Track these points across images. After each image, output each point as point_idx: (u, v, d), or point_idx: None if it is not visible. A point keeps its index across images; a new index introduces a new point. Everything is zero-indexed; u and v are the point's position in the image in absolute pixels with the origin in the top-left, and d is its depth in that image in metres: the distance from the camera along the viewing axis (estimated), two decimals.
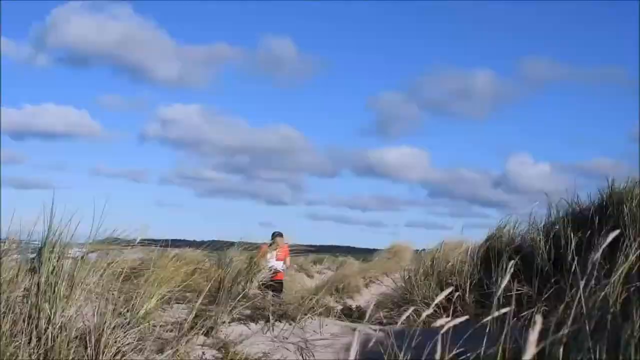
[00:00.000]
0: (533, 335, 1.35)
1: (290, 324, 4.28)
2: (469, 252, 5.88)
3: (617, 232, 2.10)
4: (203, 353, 3.83)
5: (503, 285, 2.18)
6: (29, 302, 3.52)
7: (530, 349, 1.33)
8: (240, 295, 4.56)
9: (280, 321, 4.31)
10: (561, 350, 2.22)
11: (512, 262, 2.61)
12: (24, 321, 3.45)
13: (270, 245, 9.58)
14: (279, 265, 9.38)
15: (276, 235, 9.82)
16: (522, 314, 3.50)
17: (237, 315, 4.30)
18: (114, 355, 3.48)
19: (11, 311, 3.43)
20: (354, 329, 4.37)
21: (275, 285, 8.33)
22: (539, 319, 1.37)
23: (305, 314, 4.41)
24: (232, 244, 6.28)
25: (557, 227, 5.00)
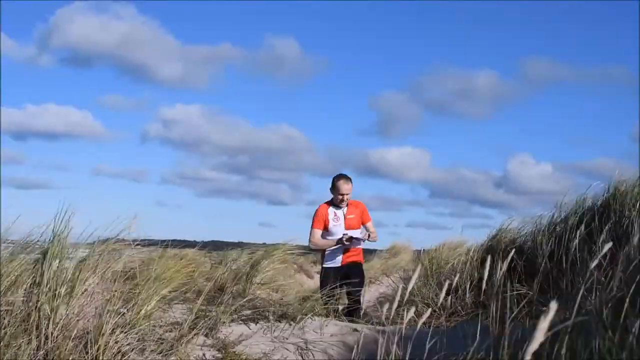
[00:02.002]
0: (544, 322, 1.30)
1: (290, 324, 4.27)
2: (469, 253, 5.88)
3: (610, 244, 2.10)
4: (203, 354, 3.83)
5: (501, 285, 2.18)
6: (30, 302, 3.52)
7: (539, 337, 1.29)
8: (241, 297, 4.55)
9: (280, 321, 4.31)
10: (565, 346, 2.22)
11: (512, 262, 2.60)
12: (24, 321, 3.45)
13: (332, 202, 6.05)
14: (355, 233, 5.97)
15: (339, 178, 5.99)
16: (522, 314, 3.49)
17: (237, 316, 4.30)
18: (115, 356, 3.48)
19: (12, 312, 3.43)
20: (355, 330, 4.37)
21: (348, 270, 5.90)
22: (553, 305, 1.33)
23: (306, 315, 4.40)
24: (234, 245, 6.32)
25: (559, 227, 5.00)
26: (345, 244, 5.90)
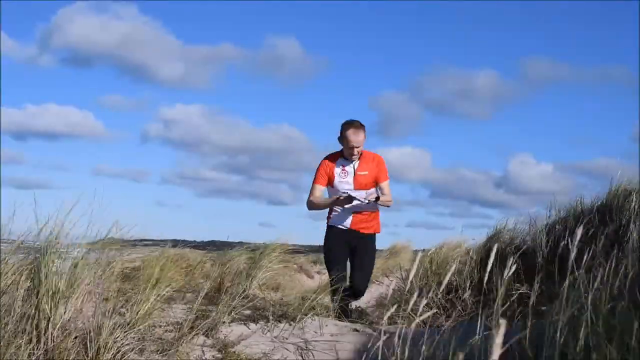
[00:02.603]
0: (498, 338, 1.29)
1: (290, 324, 4.27)
2: (470, 253, 5.88)
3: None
4: (203, 354, 3.83)
5: (503, 285, 2.18)
6: (30, 302, 3.52)
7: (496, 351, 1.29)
8: (240, 296, 4.55)
9: (280, 321, 4.30)
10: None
11: (512, 262, 2.60)
12: (24, 321, 3.45)
13: (336, 154, 5.16)
14: (361, 195, 4.98)
15: (349, 126, 5.02)
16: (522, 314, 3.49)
17: (237, 316, 4.29)
18: (114, 356, 3.48)
19: (12, 312, 3.43)
20: (354, 330, 4.37)
21: (356, 241, 5.11)
22: (503, 322, 1.33)
23: (306, 315, 4.40)
24: (234, 245, 6.29)
25: (558, 227, 5.00)
26: (343, 205, 5.01)
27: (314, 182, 5.17)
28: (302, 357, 3.99)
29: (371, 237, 5.24)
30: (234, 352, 3.90)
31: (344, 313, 4.86)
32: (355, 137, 5.01)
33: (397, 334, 2.46)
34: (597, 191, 5.21)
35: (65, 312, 3.54)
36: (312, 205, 5.22)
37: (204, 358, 3.80)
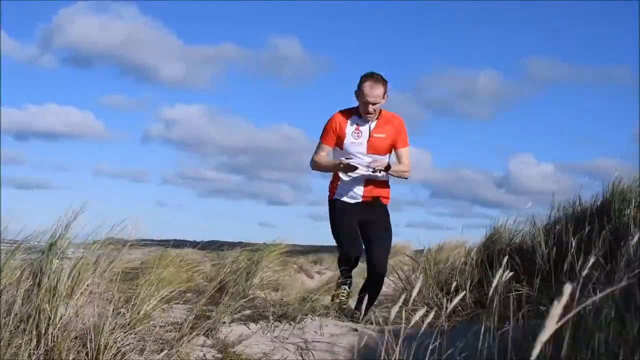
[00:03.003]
0: (557, 308, 1.19)
1: (290, 324, 4.27)
2: (471, 253, 5.87)
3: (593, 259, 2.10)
4: (204, 354, 3.83)
5: (500, 284, 2.18)
6: (30, 302, 3.53)
7: (551, 324, 1.20)
8: (241, 297, 4.56)
9: (280, 321, 4.31)
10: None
11: (512, 262, 2.61)
12: (24, 321, 3.46)
13: (351, 110, 4.45)
14: (369, 162, 4.38)
15: (366, 78, 4.34)
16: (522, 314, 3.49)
17: (237, 316, 4.30)
18: (114, 356, 3.49)
19: (12, 312, 3.43)
20: (354, 330, 4.37)
21: (367, 214, 4.47)
22: (567, 287, 1.21)
23: (306, 315, 4.40)
24: (234, 245, 6.29)
25: (558, 227, 5.00)
26: (346, 172, 4.34)
27: (321, 140, 4.55)
28: (302, 357, 3.99)
29: (384, 208, 4.59)
30: (234, 352, 3.91)
31: (356, 307, 4.47)
32: (372, 91, 4.27)
33: (394, 333, 2.47)
34: (597, 191, 5.21)
35: (65, 312, 3.54)
36: (315, 166, 4.62)
37: (204, 358, 3.80)
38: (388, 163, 4.44)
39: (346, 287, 4.67)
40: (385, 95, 4.41)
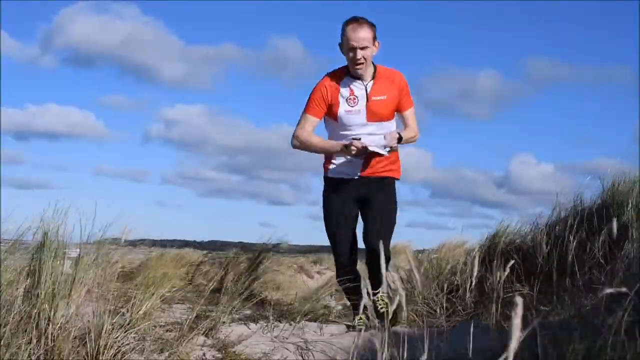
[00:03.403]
0: (516, 319, 1.24)
1: (290, 324, 4.28)
2: (472, 253, 5.87)
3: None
4: (204, 354, 3.83)
5: (501, 284, 2.18)
6: (30, 302, 3.53)
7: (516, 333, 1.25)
8: (241, 297, 4.56)
9: (280, 321, 4.31)
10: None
11: (511, 262, 2.61)
12: (24, 321, 3.46)
13: (341, 70, 3.73)
14: (380, 139, 3.63)
15: (348, 22, 3.62)
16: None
17: (237, 316, 4.30)
18: (114, 356, 3.49)
19: (11, 311, 3.43)
20: (353, 329, 4.37)
21: (369, 191, 3.74)
22: (519, 299, 1.27)
23: (306, 315, 4.40)
24: (234, 245, 6.29)
25: (559, 227, 5.00)
26: (354, 156, 3.54)
27: (305, 110, 3.74)
28: (302, 357, 3.99)
29: (390, 182, 3.82)
30: (234, 352, 3.91)
31: (354, 308, 4.02)
32: (357, 34, 3.52)
33: (394, 333, 2.47)
34: (596, 191, 5.21)
35: (65, 312, 3.54)
36: (299, 143, 3.76)
37: (204, 358, 3.80)
38: (398, 133, 3.70)
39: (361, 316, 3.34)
40: (376, 41, 3.62)
